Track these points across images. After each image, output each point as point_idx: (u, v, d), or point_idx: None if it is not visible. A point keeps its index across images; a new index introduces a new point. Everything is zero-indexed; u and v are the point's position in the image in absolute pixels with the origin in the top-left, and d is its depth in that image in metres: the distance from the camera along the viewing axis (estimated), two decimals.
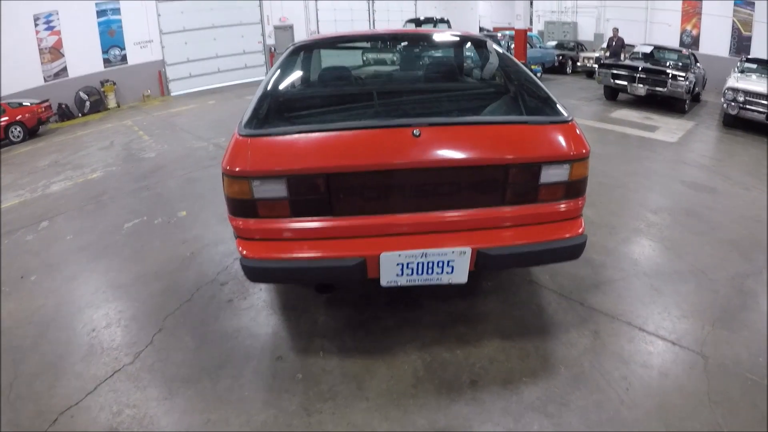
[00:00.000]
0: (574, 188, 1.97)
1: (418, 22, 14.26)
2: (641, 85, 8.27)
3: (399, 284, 1.89)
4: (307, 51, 2.97)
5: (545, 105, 2.17)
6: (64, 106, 11.77)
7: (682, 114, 8.24)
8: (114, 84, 12.50)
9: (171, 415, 1.92)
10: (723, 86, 7.54)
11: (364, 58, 4.57)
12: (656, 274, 2.93)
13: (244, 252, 1.89)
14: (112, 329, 2.56)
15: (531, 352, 2.20)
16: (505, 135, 1.94)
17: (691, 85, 8.08)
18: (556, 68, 13.25)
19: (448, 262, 1.85)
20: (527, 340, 2.28)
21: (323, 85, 2.81)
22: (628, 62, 9.03)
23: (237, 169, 1.81)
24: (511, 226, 1.97)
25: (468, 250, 1.84)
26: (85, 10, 12.68)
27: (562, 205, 1.98)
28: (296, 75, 2.94)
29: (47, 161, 7.07)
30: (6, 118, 9.56)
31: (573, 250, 1.98)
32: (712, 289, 2.77)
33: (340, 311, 2.55)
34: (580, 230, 2.00)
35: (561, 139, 1.92)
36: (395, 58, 4.40)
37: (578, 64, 13.31)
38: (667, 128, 7.27)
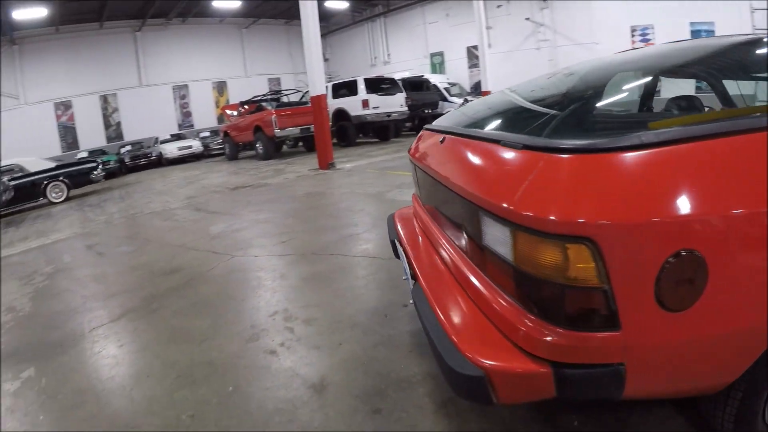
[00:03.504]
0: (526, 283, 1.01)
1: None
2: None
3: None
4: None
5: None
6: None
7: None
8: None
9: None
10: None
11: None
12: None
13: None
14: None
15: None
16: (485, 157, 1.30)
17: None
18: None
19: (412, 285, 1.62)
20: None
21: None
22: None
23: None
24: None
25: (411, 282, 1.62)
26: (680, 27, 13.35)
27: (504, 304, 1.10)
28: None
29: None
30: None
31: (462, 383, 1.04)
32: None
33: None
34: (512, 365, 1.00)
35: (517, 175, 1.03)
36: None
37: None
38: None
